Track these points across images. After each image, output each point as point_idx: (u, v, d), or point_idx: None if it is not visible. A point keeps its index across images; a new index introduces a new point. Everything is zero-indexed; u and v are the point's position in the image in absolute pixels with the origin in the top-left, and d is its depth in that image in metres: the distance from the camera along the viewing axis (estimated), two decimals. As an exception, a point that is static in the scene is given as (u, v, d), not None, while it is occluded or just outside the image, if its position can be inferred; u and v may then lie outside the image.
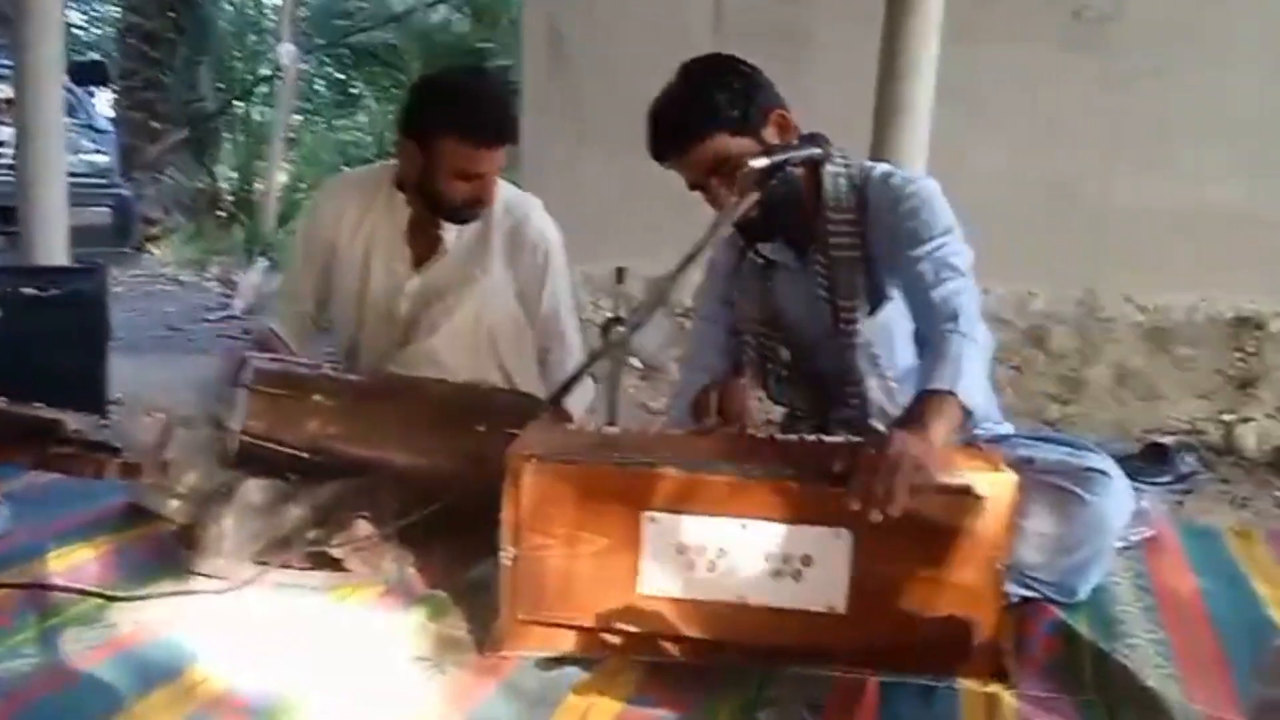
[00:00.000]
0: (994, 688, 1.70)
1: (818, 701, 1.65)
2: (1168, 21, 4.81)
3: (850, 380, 2.19)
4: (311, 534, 2.11)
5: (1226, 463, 3.89)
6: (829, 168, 2.19)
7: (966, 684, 1.71)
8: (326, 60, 13.16)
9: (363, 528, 2.09)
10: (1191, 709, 1.65)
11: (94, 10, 14.99)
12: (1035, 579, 1.99)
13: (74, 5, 13.72)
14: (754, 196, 2.04)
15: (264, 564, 2.03)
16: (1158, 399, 4.86)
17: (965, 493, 1.68)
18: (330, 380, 2.43)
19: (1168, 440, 3.86)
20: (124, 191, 7.71)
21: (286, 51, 10.65)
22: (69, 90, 5.56)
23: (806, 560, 1.70)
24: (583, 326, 2.92)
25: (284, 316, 2.86)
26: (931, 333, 2.01)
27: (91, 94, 8.58)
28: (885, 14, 3.51)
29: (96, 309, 3.94)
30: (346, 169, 5.54)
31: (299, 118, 13.15)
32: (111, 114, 11.60)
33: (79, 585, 1.97)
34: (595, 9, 5.44)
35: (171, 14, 12.07)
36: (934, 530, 1.68)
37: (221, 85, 12.22)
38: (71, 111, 6.21)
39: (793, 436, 2.04)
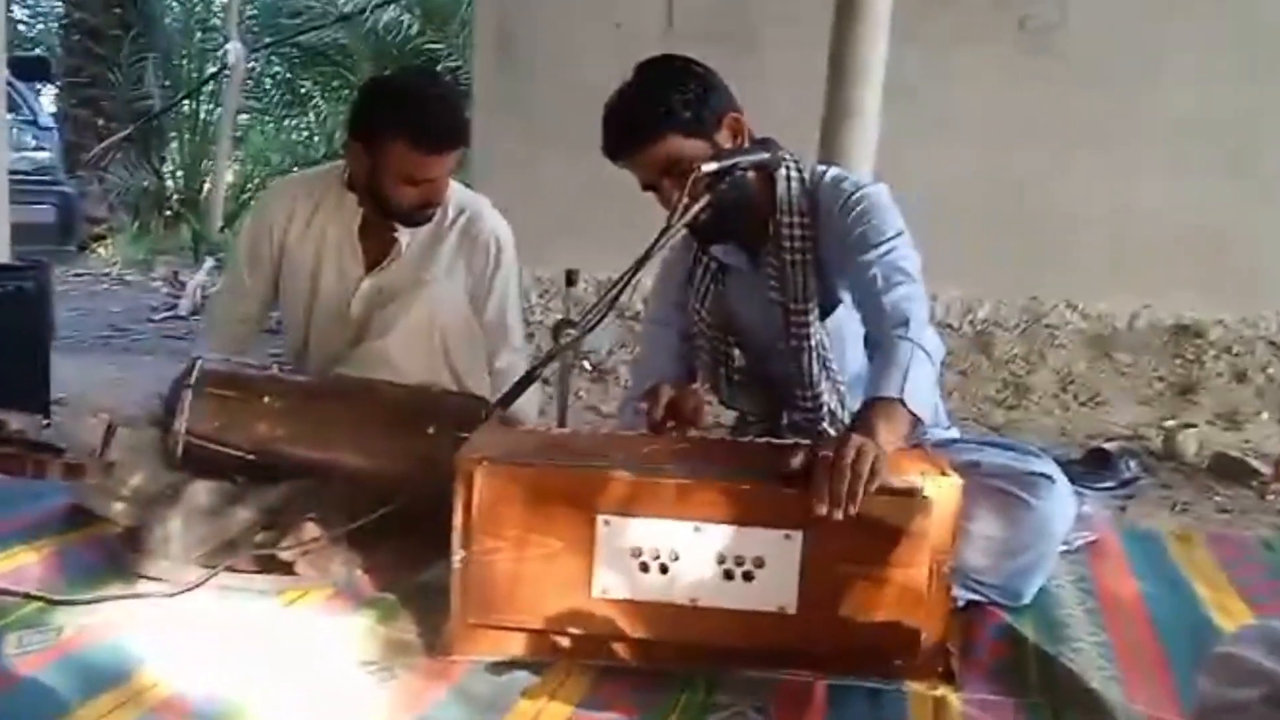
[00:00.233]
0: (941, 690, 1.71)
1: (766, 705, 1.66)
2: (1110, 31, 4.90)
3: (802, 384, 2.21)
4: (260, 537, 2.09)
5: (1167, 468, 3.95)
6: (780, 171, 2.20)
7: (914, 687, 1.72)
8: (275, 59, 13.03)
9: (311, 530, 2.07)
10: (1134, 710, 1.69)
11: (37, 5, 14.75)
12: (981, 582, 2.01)
13: (16, -1, 13.51)
14: (704, 200, 2.05)
15: (211, 567, 2.00)
16: (1100, 405, 4.93)
17: (912, 494, 1.69)
18: (279, 381, 2.41)
19: (1110, 446, 3.91)
20: (68, 189, 7.62)
21: (234, 49, 10.56)
22: (11, 86, 5.47)
23: (759, 562, 1.71)
24: (533, 329, 2.91)
25: (220, 323, 2.84)
26: (882, 338, 2.02)
27: (36, 90, 8.47)
28: (834, 18, 3.53)
29: (39, 307, 3.86)
30: (295, 169, 5.49)
31: (246, 117, 13.04)
32: (55, 110, 11.45)
33: (21, 589, 1.94)
34: (545, 10, 5.44)
35: (117, 10, 11.93)
36: (882, 531, 1.69)
37: (168, 83, 12.07)
38: (14, 107, 6.13)
39: (744, 439, 2.04)
